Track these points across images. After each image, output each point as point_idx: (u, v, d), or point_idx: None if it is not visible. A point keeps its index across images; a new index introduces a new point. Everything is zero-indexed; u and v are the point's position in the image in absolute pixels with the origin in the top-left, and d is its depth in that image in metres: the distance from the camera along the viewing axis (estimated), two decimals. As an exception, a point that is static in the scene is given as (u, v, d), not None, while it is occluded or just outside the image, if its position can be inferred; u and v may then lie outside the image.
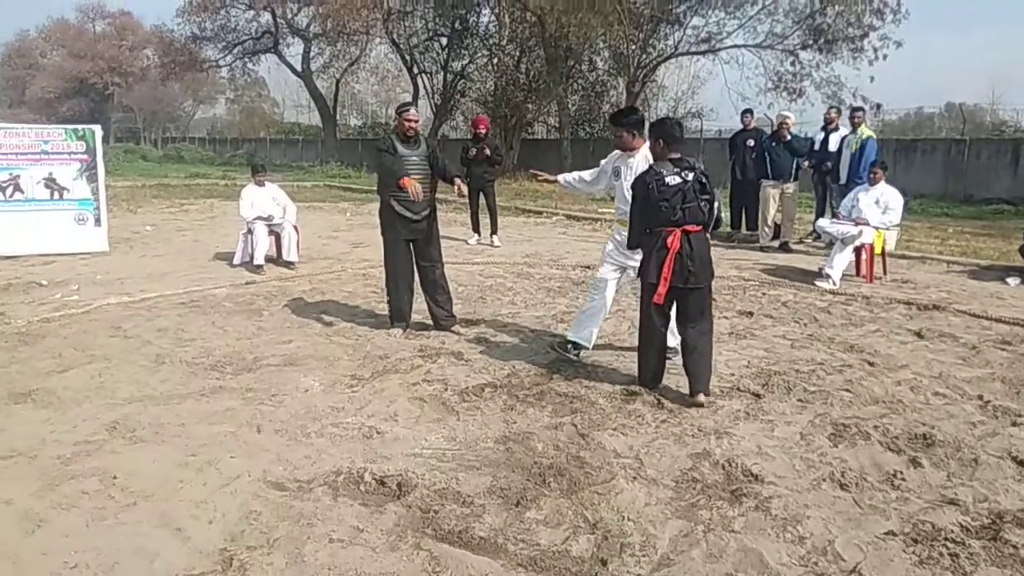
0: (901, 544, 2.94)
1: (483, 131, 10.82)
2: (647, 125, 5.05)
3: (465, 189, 5.84)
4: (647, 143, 4.99)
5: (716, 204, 4.56)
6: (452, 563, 2.78)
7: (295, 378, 4.82)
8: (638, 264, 5.11)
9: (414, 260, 5.91)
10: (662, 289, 4.37)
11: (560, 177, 5.60)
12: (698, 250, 4.39)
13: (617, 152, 5.12)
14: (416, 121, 5.82)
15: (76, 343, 5.58)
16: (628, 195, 4.93)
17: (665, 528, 3.05)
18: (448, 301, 6.02)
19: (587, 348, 5.20)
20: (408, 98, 29.73)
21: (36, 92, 52.68)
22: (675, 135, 4.52)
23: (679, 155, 4.48)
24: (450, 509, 3.16)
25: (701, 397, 4.37)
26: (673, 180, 4.36)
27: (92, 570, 2.72)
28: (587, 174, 5.44)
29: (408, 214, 5.72)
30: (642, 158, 4.94)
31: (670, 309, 4.57)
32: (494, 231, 10.87)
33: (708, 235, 4.56)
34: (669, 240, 4.35)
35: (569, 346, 5.16)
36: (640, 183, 4.46)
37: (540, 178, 5.86)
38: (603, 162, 5.30)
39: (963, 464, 3.65)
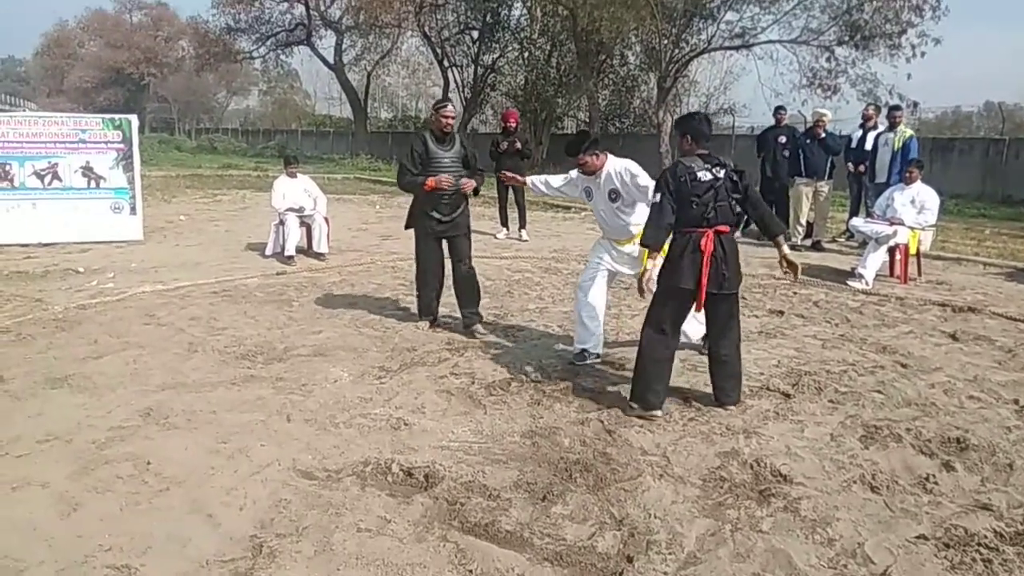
0: (933, 548, 2.90)
1: (513, 125, 10.81)
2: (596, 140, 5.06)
3: (471, 188, 5.81)
4: (610, 156, 4.97)
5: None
6: (478, 556, 2.79)
7: (324, 368, 4.87)
8: (628, 272, 5.06)
9: (446, 256, 5.92)
10: (703, 296, 4.08)
11: (528, 179, 5.56)
12: (730, 252, 4.14)
13: None
14: (453, 117, 5.78)
15: (111, 330, 5.68)
16: (604, 212, 4.98)
17: (692, 527, 3.04)
18: (476, 299, 5.93)
19: (599, 353, 5.09)
20: (438, 92, 29.79)
21: (74, 81, 53.70)
22: (703, 131, 4.25)
23: (707, 152, 4.23)
24: (476, 502, 3.18)
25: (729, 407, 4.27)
26: (704, 176, 4.09)
27: (126, 553, 2.77)
28: (555, 179, 5.42)
29: (438, 215, 5.72)
30: (606, 174, 4.92)
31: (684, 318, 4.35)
32: (523, 225, 10.87)
33: (737, 235, 4.36)
34: (702, 242, 4.03)
35: (584, 353, 5.03)
36: (669, 177, 4.12)
37: (508, 177, 6.02)
38: (572, 173, 5.24)
39: (997, 469, 3.58)
